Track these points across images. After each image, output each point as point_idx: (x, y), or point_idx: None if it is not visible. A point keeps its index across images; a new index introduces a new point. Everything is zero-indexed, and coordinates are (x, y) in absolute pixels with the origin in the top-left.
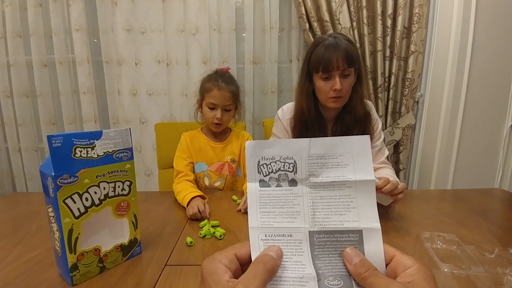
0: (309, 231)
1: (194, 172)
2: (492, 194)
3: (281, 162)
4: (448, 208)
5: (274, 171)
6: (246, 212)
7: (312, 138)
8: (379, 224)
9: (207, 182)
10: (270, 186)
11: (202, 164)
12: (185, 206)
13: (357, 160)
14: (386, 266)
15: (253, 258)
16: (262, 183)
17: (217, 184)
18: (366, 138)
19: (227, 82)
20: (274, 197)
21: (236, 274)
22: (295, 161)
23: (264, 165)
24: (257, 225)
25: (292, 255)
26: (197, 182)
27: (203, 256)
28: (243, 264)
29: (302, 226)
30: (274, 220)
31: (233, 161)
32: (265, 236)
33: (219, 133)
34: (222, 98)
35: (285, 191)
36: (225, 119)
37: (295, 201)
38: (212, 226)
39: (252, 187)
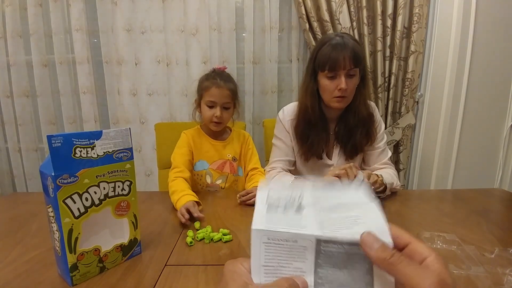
0: (316, 239)
1: (195, 170)
2: (492, 194)
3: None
4: (448, 208)
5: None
6: (243, 203)
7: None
8: (391, 240)
9: (209, 180)
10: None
11: (203, 162)
12: (178, 208)
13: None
14: (400, 251)
15: (252, 262)
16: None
17: (218, 182)
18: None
19: (226, 80)
20: (282, 207)
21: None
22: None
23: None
24: (261, 227)
25: (293, 260)
26: (199, 180)
27: (203, 256)
28: None
29: (310, 233)
30: (280, 225)
31: (234, 159)
32: (268, 239)
33: (219, 132)
34: (220, 95)
35: (292, 215)
36: (224, 117)
37: (303, 218)
38: (196, 229)
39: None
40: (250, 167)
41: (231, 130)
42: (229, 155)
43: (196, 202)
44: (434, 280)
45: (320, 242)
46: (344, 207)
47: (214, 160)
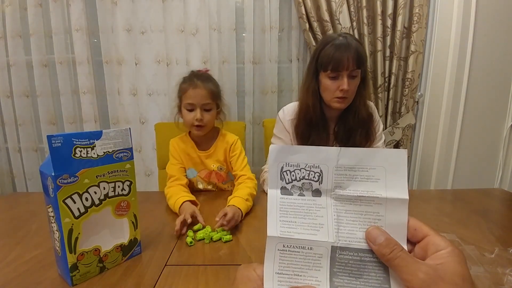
0: (332, 246)
1: (188, 177)
2: (492, 194)
3: (306, 170)
4: (448, 208)
5: (298, 179)
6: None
7: (342, 148)
8: (405, 241)
9: (201, 186)
10: (292, 194)
11: (192, 170)
12: (177, 211)
13: (390, 175)
14: (416, 243)
15: (265, 267)
16: (284, 190)
17: (209, 187)
18: (403, 152)
19: (203, 81)
20: (296, 206)
21: None
22: (321, 171)
23: (288, 172)
24: (276, 234)
25: (308, 269)
26: (191, 185)
27: (203, 256)
28: None
29: (325, 240)
30: (295, 230)
31: (220, 169)
32: (283, 246)
33: (204, 138)
34: (198, 96)
35: (308, 201)
36: (206, 120)
37: (319, 213)
38: (195, 231)
39: (273, 194)
40: (237, 172)
41: (218, 135)
42: (213, 166)
43: (192, 201)
44: (426, 276)
45: (336, 249)
46: (366, 201)
47: (201, 169)
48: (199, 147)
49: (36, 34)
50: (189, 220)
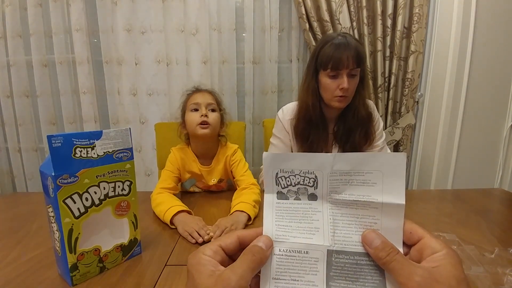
0: (328, 249)
1: (186, 188)
2: (492, 194)
3: (300, 176)
4: (448, 208)
5: (293, 184)
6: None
7: (336, 153)
8: (401, 245)
9: (197, 190)
10: (288, 199)
11: (192, 179)
12: (168, 221)
13: (387, 180)
14: (412, 246)
15: (262, 273)
16: (280, 195)
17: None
18: (401, 156)
19: (207, 89)
20: (292, 211)
21: (224, 265)
22: (316, 176)
23: (283, 178)
24: (272, 239)
25: (305, 273)
26: (185, 189)
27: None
28: (231, 255)
29: (321, 243)
30: (290, 234)
31: (220, 181)
32: (279, 250)
33: (205, 149)
34: (204, 97)
35: (304, 205)
36: (211, 118)
37: (314, 217)
38: None
39: (269, 198)
40: (238, 178)
41: (218, 149)
42: (213, 180)
43: (188, 211)
44: (421, 279)
45: (332, 253)
46: (362, 205)
47: (200, 180)
48: (201, 161)
49: (36, 34)
50: (200, 240)
